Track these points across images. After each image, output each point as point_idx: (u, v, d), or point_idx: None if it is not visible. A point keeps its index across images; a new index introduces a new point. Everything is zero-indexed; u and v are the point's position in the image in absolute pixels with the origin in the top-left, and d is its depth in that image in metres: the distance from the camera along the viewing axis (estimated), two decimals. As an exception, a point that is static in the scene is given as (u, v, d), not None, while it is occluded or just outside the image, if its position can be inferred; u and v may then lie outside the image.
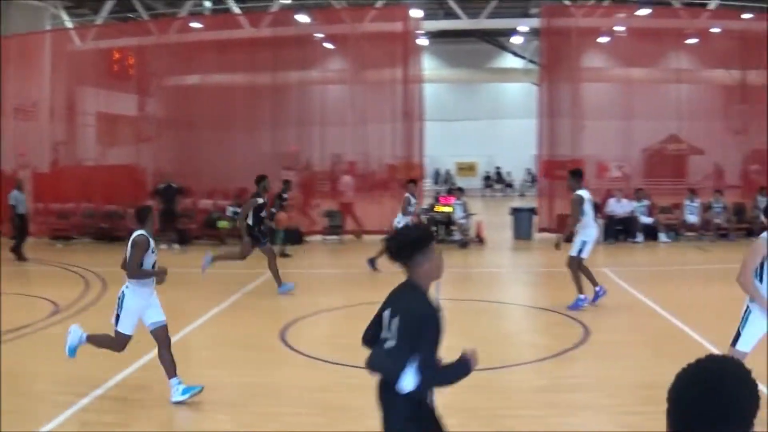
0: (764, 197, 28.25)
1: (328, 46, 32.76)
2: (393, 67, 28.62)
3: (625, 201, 27.67)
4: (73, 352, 10.48)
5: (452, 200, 27.38)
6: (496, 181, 55.16)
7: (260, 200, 18.18)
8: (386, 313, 5.98)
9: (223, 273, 19.80)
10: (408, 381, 5.69)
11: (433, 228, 27.04)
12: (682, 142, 35.38)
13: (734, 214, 28.49)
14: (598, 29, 32.38)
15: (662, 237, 27.09)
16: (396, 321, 5.81)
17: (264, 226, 18.41)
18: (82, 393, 10.35)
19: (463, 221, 26.54)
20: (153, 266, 10.42)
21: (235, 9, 33.91)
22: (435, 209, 27.74)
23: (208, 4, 37.02)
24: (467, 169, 56.24)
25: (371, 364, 6.04)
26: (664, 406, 8.59)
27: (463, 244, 25.65)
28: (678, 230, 27.65)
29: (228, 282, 19.26)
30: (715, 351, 12.19)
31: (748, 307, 9.01)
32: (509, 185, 54.83)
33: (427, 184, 45.90)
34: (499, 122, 53.21)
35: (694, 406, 2.63)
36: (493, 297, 17.86)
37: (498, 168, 55.09)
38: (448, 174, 54.72)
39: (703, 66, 36.17)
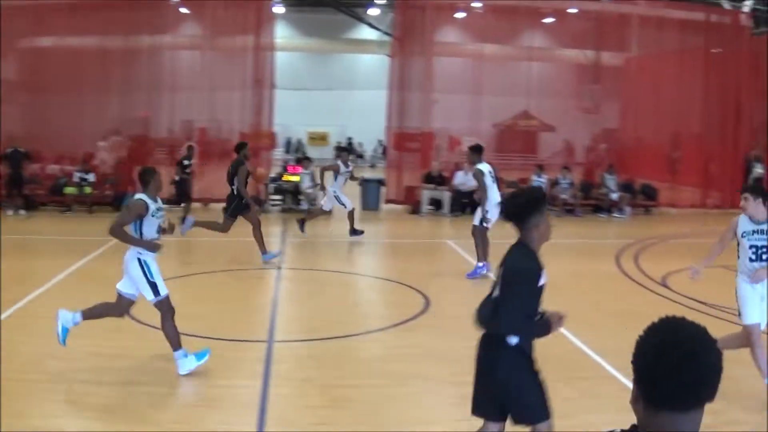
0: (611, 175, 29.03)
1: (184, 10, 32.19)
2: (246, 34, 28.30)
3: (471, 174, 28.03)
4: (64, 339, 10.22)
5: (300, 170, 27.35)
6: (347, 151, 55.20)
7: (246, 166, 18.05)
8: (498, 272, 6.53)
9: (69, 240, 19.43)
10: (508, 330, 6.38)
11: (280, 197, 27.01)
12: (533, 118, 36.11)
13: (581, 191, 29.16)
14: (455, 5, 32.65)
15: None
16: (500, 276, 6.41)
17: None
18: None
19: (310, 191, 26.52)
20: (157, 230, 10.32)
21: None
22: (283, 178, 27.67)
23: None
24: (319, 138, 56.11)
25: (477, 317, 6.63)
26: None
27: (310, 213, 25.66)
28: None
29: (74, 249, 18.86)
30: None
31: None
32: (360, 156, 54.93)
33: (279, 152, 45.69)
34: (352, 93, 53.23)
35: (670, 377, 2.58)
36: (338, 267, 17.91)
37: (350, 138, 55.13)
38: (300, 143, 54.54)
39: (559, 45, 36.87)
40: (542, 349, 11.57)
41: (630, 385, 8.60)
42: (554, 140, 36.46)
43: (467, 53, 32.87)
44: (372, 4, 46.47)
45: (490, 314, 6.48)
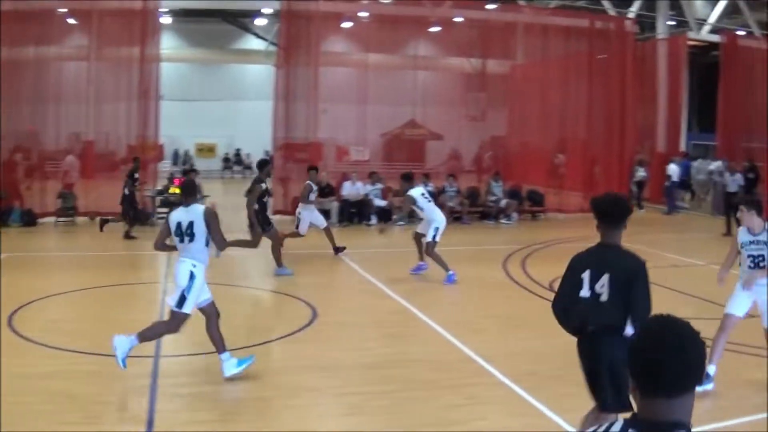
0: (498, 182, 29.34)
1: (70, 21, 31.56)
2: (133, 45, 27.87)
3: (359, 184, 28.05)
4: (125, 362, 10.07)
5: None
6: (235, 162, 54.81)
7: (264, 185, 18.05)
8: (587, 274, 7.01)
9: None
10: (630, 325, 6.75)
11: (167, 209, 26.67)
12: (420, 127, 36.32)
13: (468, 198, 29.40)
14: (342, 14, 32.64)
15: (404, 221, 27.62)
16: (606, 277, 6.89)
17: (265, 212, 18.33)
18: None
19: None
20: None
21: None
22: (170, 191, 27.34)
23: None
24: (207, 150, 55.58)
25: (590, 320, 7.05)
26: (387, 386, 8.78)
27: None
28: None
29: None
30: (443, 332, 12.64)
31: None
32: (248, 167, 54.62)
33: (166, 165, 45.19)
34: (240, 104, 52.85)
35: (662, 367, 2.89)
36: (225, 280, 17.71)
37: (238, 150, 54.78)
38: (187, 155, 53.99)
39: (445, 54, 37.18)
40: (430, 356, 11.70)
41: (517, 389, 8.78)
42: (442, 148, 36.77)
43: (354, 63, 32.97)
44: (259, 15, 46.35)
45: (613, 315, 6.90)
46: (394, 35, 33.78)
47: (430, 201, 18.06)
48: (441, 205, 26.74)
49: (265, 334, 12.74)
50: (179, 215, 10.46)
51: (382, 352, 11.81)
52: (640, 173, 34.89)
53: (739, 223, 10.35)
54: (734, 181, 27.44)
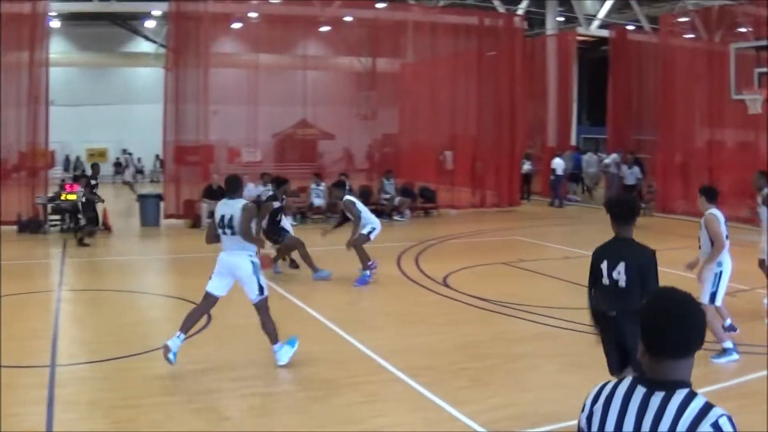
0: (390, 180, 29.47)
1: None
2: (21, 49, 27.27)
3: (251, 185, 27.84)
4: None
5: (77, 188, 26.57)
6: (126, 167, 54.12)
7: (277, 204, 17.81)
8: (605, 264, 8.03)
9: None
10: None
11: (59, 216, 26.21)
12: (311, 127, 36.27)
13: (360, 196, 29.39)
14: (231, 15, 32.41)
15: (290, 220, 27.51)
16: (622, 265, 7.87)
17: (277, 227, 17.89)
18: None
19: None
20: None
21: None
22: (62, 197, 26.85)
23: None
24: (98, 155, 54.69)
25: (612, 304, 8.00)
26: (287, 386, 8.79)
27: (90, 233, 25.01)
28: (305, 213, 28.20)
29: None
30: (339, 331, 12.64)
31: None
32: (140, 171, 53.97)
33: (57, 171, 44.45)
34: (130, 107, 52.21)
35: (667, 333, 3.30)
36: (120, 286, 17.50)
37: (129, 154, 54.08)
38: (78, 160, 53.10)
39: (335, 53, 37.20)
40: (328, 355, 11.70)
41: (415, 385, 8.84)
42: (334, 148, 36.79)
43: (244, 63, 32.75)
44: (148, 17, 45.80)
45: (631, 299, 7.62)
46: (284, 35, 33.69)
47: (364, 207, 18.06)
48: (333, 204, 26.95)
49: (160, 339, 12.59)
50: (222, 208, 11.14)
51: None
52: (526, 166, 35.42)
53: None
54: (632, 174, 27.99)
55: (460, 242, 24.39)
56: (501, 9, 40.89)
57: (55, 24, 38.89)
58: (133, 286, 17.66)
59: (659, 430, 3.24)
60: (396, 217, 29.01)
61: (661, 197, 31.23)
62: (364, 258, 17.31)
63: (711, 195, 11.93)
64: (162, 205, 27.68)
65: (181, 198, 28.02)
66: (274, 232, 17.66)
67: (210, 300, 11.39)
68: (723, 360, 11.14)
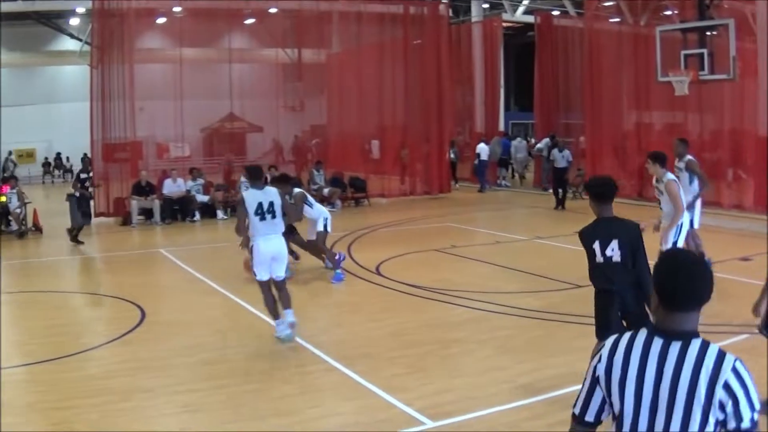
0: (319, 171, 29.50)
1: None
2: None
3: (180, 181, 27.72)
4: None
5: (6, 189, 26.25)
6: (56, 167, 53.47)
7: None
8: (597, 244, 8.39)
9: None
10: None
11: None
12: (239, 120, 36.13)
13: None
14: (155, 10, 32.13)
15: (220, 214, 27.46)
16: (615, 242, 8.31)
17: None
18: None
19: (18, 210, 25.52)
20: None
21: None
22: (-5, 200, 26.50)
23: None
24: (26, 156, 54.07)
25: (611, 279, 8.45)
26: (221, 380, 8.81)
27: (21, 234, 24.70)
28: (235, 207, 28.09)
29: None
30: (269, 321, 12.62)
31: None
32: (69, 171, 53.33)
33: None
34: (57, 106, 51.61)
35: (682, 287, 3.62)
36: (52, 287, 17.33)
37: (58, 153, 53.43)
38: (8, 162, 52.37)
39: (260, 45, 37.07)
40: (261, 348, 11.72)
41: (351, 374, 8.87)
42: (262, 140, 36.71)
43: (169, 58, 32.46)
44: (73, 14, 45.30)
45: (626, 273, 8.35)
46: (208, 29, 33.51)
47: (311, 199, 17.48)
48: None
49: (94, 338, 12.53)
50: (256, 196, 11.76)
51: (213, 347, 11.75)
52: (450, 155, 35.65)
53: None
54: (563, 157, 28.26)
55: (391, 230, 24.49)
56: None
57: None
58: (65, 287, 17.51)
59: (681, 376, 3.58)
60: (327, 208, 29.00)
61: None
62: (331, 255, 17.01)
63: (663, 160, 12.69)
64: (92, 203, 27.42)
65: (111, 196, 27.79)
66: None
67: (266, 285, 11.98)
68: None
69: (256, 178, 12.12)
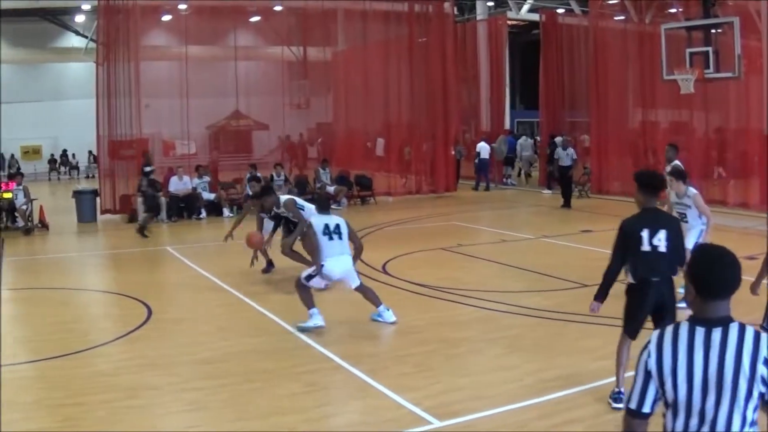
0: (325, 169, 29.49)
1: None
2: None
3: (186, 178, 27.71)
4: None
5: (13, 186, 26.28)
6: (61, 163, 53.53)
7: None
8: (646, 232, 8.45)
9: None
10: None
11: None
12: (245, 117, 36.12)
13: (296, 186, 29.43)
14: (160, 7, 32.20)
15: (226, 212, 27.48)
16: (663, 233, 8.44)
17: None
18: None
19: (24, 207, 25.54)
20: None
21: None
22: (-1, 196, 26.52)
23: None
24: (32, 152, 54.18)
25: (655, 269, 8.47)
26: (226, 379, 8.76)
27: (27, 231, 24.74)
28: (241, 204, 28.13)
29: None
30: (279, 321, 12.63)
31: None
32: (75, 167, 53.39)
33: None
34: (63, 103, 51.63)
35: (717, 277, 4.07)
36: (59, 284, 17.33)
37: (64, 150, 53.48)
38: (13, 158, 52.43)
39: (266, 43, 37.07)
40: (267, 346, 11.71)
41: (357, 373, 8.83)
42: (268, 138, 36.70)
43: (175, 56, 32.47)
44: (78, 11, 45.33)
45: (671, 263, 8.55)
46: (214, 26, 33.54)
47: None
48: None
49: (101, 335, 12.53)
50: (324, 220, 12.69)
51: (219, 345, 11.75)
52: (452, 152, 35.63)
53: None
54: (567, 156, 28.24)
55: (397, 229, 24.47)
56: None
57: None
58: (71, 284, 17.51)
59: (726, 359, 3.99)
60: (333, 206, 28.99)
61: (596, 178, 31.55)
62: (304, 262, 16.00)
63: (684, 176, 13.22)
64: (98, 200, 27.45)
65: (116, 193, 27.81)
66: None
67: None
68: None
69: (324, 207, 13.24)
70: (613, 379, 8.84)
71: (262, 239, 16.33)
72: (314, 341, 11.69)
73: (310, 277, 12.43)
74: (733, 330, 4.03)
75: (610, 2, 33.60)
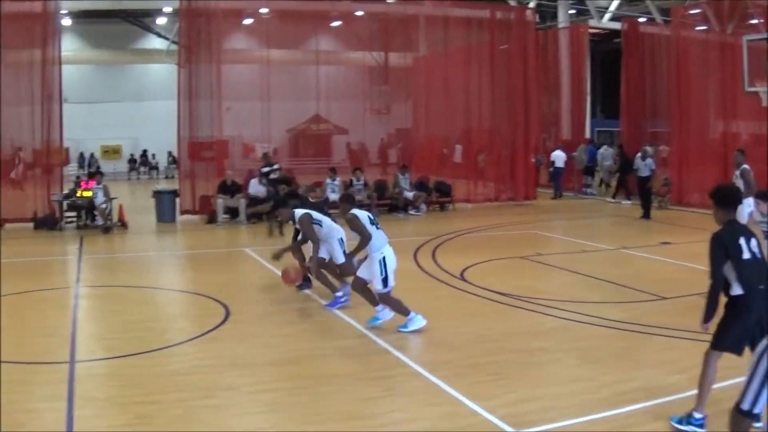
0: (404, 174, 29.45)
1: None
2: (33, 47, 27.31)
3: (266, 181, 27.84)
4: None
5: (93, 184, 26.63)
6: (141, 163, 54.24)
7: None
8: (743, 240, 8.26)
9: None
10: None
11: (75, 213, 26.28)
12: (325, 121, 36.27)
13: (375, 191, 29.47)
14: (242, 11, 32.46)
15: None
16: (754, 242, 8.32)
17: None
18: None
19: (104, 205, 25.87)
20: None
21: None
22: (77, 194, 26.88)
23: None
24: (112, 152, 55.01)
25: (756, 278, 8.23)
26: (303, 381, 8.74)
27: (106, 229, 25.06)
28: (322, 208, 28.13)
29: None
30: (355, 324, 12.62)
31: None
32: (154, 168, 54.06)
33: (72, 168, 44.61)
34: (143, 104, 52.34)
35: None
36: (137, 282, 17.50)
37: (144, 150, 54.18)
38: (93, 157, 53.24)
39: (347, 48, 37.19)
40: (344, 350, 11.69)
41: (434, 379, 8.74)
42: (347, 142, 36.81)
43: (256, 59, 32.72)
44: (159, 14, 45.89)
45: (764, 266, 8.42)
46: (295, 30, 33.72)
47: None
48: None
49: (179, 335, 12.61)
50: (364, 212, 13.03)
51: (296, 347, 11.76)
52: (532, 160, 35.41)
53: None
54: (646, 166, 27.85)
55: (476, 236, 24.35)
56: (512, 2, 40.83)
57: (66, 22, 38.91)
58: (149, 282, 17.66)
59: None
60: (411, 211, 29.02)
61: (676, 189, 31.14)
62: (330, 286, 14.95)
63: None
64: (177, 201, 27.71)
65: (196, 194, 28.06)
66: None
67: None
68: None
69: (353, 203, 13.57)
70: (689, 394, 8.66)
71: (299, 275, 14.91)
72: (391, 347, 11.64)
73: (384, 282, 12.46)
74: None
75: (692, 12, 33.17)
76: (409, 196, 29.20)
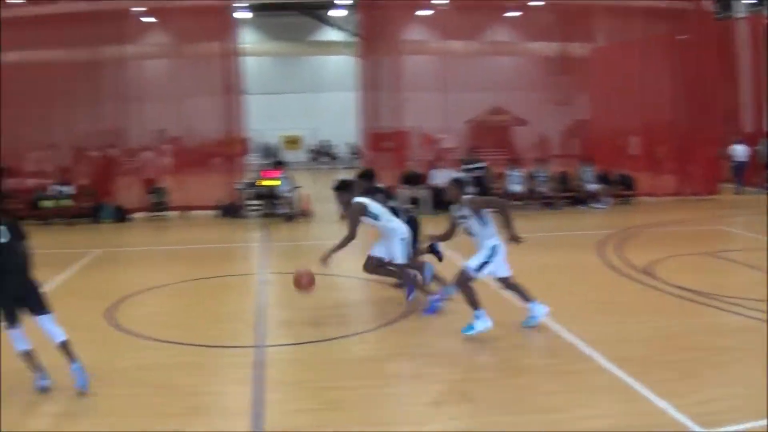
0: (587, 167, 29.15)
1: (148, 20, 31.71)
2: (212, 40, 28.14)
3: (446, 171, 27.89)
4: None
5: (277, 174, 27.24)
6: (321, 153, 55.15)
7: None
8: None
9: (46, 253, 19.25)
10: None
11: (258, 202, 26.93)
12: (505, 113, 36.12)
13: (559, 183, 29.29)
14: (419, 3, 32.64)
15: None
16: None
17: None
18: None
19: (288, 194, 26.43)
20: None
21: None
22: (258, 183, 27.54)
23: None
24: (292, 142, 56.13)
25: None
26: (488, 373, 8.79)
27: (289, 218, 25.61)
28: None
29: (53, 262, 18.52)
30: (553, 324, 12.56)
31: None
32: (335, 158, 54.89)
33: (253, 158, 45.67)
34: (321, 95, 53.22)
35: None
36: (322, 269, 17.78)
37: (325, 141, 55.07)
38: (275, 148, 54.44)
39: (525, 38, 36.95)
40: (529, 343, 11.68)
41: (621, 375, 8.66)
42: (527, 134, 36.57)
43: (434, 50, 32.84)
44: (335, 6, 46.53)
45: None
46: (472, 21, 33.62)
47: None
48: (531, 191, 26.86)
49: (366, 322, 12.85)
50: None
51: (483, 339, 11.76)
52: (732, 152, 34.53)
53: None
54: None
55: (660, 230, 23.88)
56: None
57: (245, 15, 39.80)
58: (335, 270, 17.90)
59: None
60: (594, 205, 28.70)
61: None
62: (409, 279, 14.45)
63: None
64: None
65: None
66: None
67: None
68: None
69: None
70: None
71: (311, 281, 13.71)
72: (577, 340, 11.55)
73: (482, 266, 11.94)
74: None
75: None
76: (591, 189, 28.87)
